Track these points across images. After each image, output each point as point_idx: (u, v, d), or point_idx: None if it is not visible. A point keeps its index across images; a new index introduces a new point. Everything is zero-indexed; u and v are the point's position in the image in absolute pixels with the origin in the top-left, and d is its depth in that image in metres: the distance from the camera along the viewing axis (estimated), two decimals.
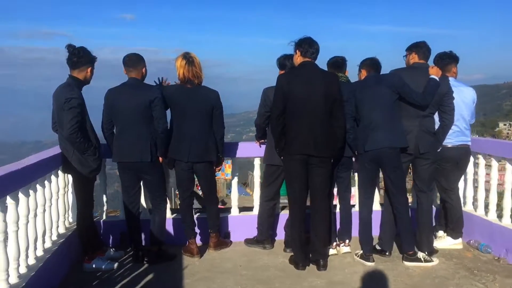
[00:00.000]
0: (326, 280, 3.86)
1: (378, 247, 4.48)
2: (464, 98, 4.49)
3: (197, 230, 4.52)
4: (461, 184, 4.91)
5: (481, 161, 4.74)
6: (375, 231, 4.45)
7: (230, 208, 5.14)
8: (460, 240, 4.65)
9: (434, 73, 4.21)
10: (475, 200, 4.89)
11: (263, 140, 4.67)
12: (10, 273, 2.86)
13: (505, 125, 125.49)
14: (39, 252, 3.53)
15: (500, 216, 4.52)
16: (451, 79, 4.50)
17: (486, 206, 4.71)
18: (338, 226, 4.60)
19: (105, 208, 4.82)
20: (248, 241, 4.75)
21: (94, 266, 4.01)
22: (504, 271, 4.05)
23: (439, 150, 4.40)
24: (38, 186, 3.48)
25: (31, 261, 3.32)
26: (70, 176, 4.19)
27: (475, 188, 4.87)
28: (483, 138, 4.99)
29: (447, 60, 4.51)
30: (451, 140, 4.43)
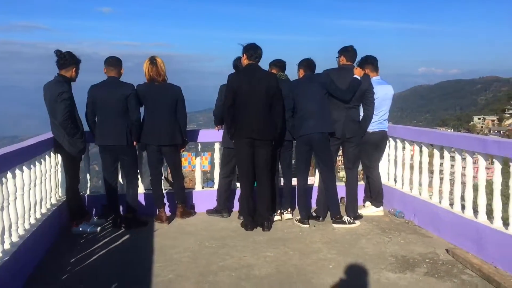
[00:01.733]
0: (268, 237, 4.87)
1: (314, 214, 5.53)
2: (384, 94, 5.55)
3: (166, 202, 5.50)
4: (384, 163, 6.00)
5: (398, 144, 5.80)
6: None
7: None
8: (381, 208, 5.72)
9: (357, 73, 5.25)
10: (394, 176, 5.96)
11: (220, 126, 5.65)
12: (12, 232, 3.72)
13: (479, 119, 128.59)
14: (38, 215, 4.45)
15: (411, 188, 5.59)
16: (375, 78, 5.57)
17: (402, 180, 5.78)
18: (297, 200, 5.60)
19: (88, 184, 5.75)
20: (209, 211, 5.74)
21: (80, 229, 4.96)
22: (409, 229, 5.13)
23: (363, 135, 5.46)
24: (36, 162, 4.40)
25: (32, 221, 4.25)
26: (59, 157, 5.12)
27: (395, 166, 5.94)
28: (399, 125, 6.00)
29: (365, 63, 5.54)
30: (372, 127, 5.49)
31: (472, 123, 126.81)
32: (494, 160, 4.13)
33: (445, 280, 3.73)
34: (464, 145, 4.55)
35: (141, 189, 5.68)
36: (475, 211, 4.43)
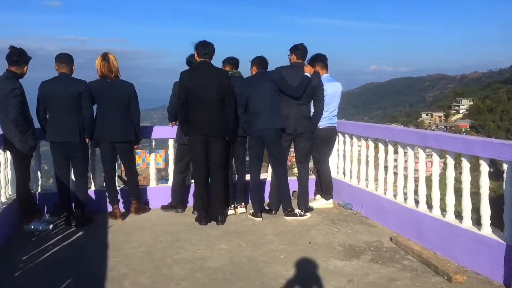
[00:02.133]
0: (222, 231, 4.99)
1: (266, 207, 5.70)
2: (334, 91, 5.78)
3: (120, 198, 5.51)
4: (334, 157, 6.26)
5: (347, 139, 6.06)
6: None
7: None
8: (331, 201, 5.96)
9: (307, 71, 5.44)
10: (343, 169, 6.22)
11: (174, 122, 5.71)
12: None
13: (427, 115, 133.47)
14: None
15: (359, 181, 5.86)
16: (325, 75, 5.79)
17: (350, 174, 6.04)
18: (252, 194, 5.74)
19: (40, 182, 5.66)
20: (164, 207, 5.79)
21: (32, 227, 4.89)
22: (356, 220, 5.39)
23: (313, 131, 5.67)
24: None
25: None
26: (9, 155, 5.02)
27: (344, 160, 6.20)
28: (347, 121, 6.29)
29: (315, 61, 5.76)
30: (322, 122, 5.71)
31: (420, 119, 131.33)
32: (433, 152, 4.43)
33: (387, 266, 3.98)
34: (405, 139, 4.84)
35: (93, 186, 5.66)
36: (417, 201, 4.73)
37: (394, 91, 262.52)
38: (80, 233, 4.89)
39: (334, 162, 6.35)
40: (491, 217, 3.83)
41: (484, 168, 3.81)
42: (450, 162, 4.22)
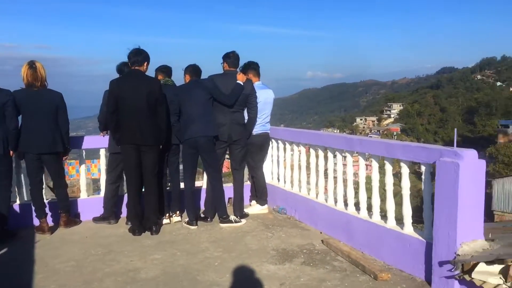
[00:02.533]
0: (156, 241, 4.93)
1: (202, 215, 5.69)
2: (266, 98, 5.89)
3: (48, 211, 5.28)
4: (268, 163, 6.37)
5: (280, 145, 6.19)
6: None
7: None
8: (266, 206, 6.05)
9: (240, 79, 5.51)
10: (277, 175, 6.35)
11: (106, 132, 5.58)
12: None
13: (361, 120, 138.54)
14: None
15: (292, 185, 6.00)
16: (257, 83, 5.89)
17: (284, 179, 6.17)
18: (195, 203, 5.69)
19: None
20: (96, 219, 5.62)
21: None
22: (290, 224, 5.51)
23: (248, 137, 5.74)
24: None
25: None
26: None
27: (278, 165, 6.32)
28: (279, 127, 6.44)
29: (247, 68, 5.85)
30: (255, 129, 5.80)
31: (355, 123, 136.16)
32: (359, 156, 4.64)
33: (318, 268, 4.11)
34: (334, 144, 5.02)
35: (18, 200, 5.41)
36: (346, 204, 4.91)
37: (330, 96, 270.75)
38: (4, 250, 4.65)
39: (269, 168, 6.46)
40: (418, 216, 4.06)
41: (405, 170, 4.04)
42: (375, 165, 4.44)
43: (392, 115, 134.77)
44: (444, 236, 3.47)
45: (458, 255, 3.37)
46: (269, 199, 6.10)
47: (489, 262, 3.15)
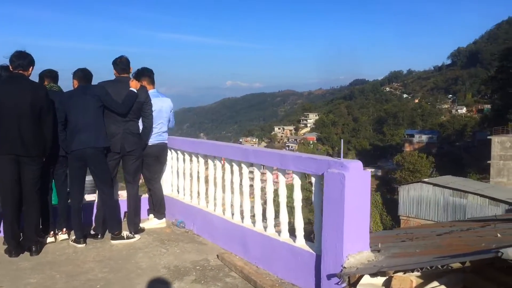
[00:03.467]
0: (35, 262, 4.45)
1: (92, 232, 5.27)
2: (161, 107, 5.62)
3: None
4: (167, 174, 6.09)
5: (179, 155, 5.93)
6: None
7: None
8: (164, 220, 5.76)
9: (133, 86, 5.19)
10: (177, 186, 6.08)
11: None
12: None
13: (279, 129, 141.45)
14: None
15: (191, 197, 5.76)
16: (152, 90, 5.60)
17: (184, 191, 5.92)
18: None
19: None
20: None
21: None
22: (187, 239, 5.26)
23: (144, 148, 5.42)
24: None
25: None
26: None
27: (177, 177, 6.06)
28: (177, 137, 6.18)
29: (141, 75, 5.56)
30: (151, 139, 5.50)
31: (273, 132, 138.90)
32: (254, 168, 4.52)
33: (210, 285, 3.91)
34: (230, 154, 4.86)
35: None
36: (243, 216, 4.76)
37: (249, 106, 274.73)
38: None
39: (168, 180, 6.18)
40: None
41: (297, 182, 3.98)
42: (269, 177, 4.34)
43: (308, 125, 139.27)
44: (331, 248, 3.43)
45: (345, 267, 3.33)
46: (168, 212, 5.82)
47: (372, 274, 3.15)
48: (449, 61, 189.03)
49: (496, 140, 39.61)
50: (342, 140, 4.36)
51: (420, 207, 36.01)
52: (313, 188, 3.76)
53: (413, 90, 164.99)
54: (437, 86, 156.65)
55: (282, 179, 4.17)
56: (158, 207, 5.71)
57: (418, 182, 38.11)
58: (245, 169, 4.71)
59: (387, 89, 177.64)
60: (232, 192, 4.91)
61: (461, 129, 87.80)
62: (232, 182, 4.94)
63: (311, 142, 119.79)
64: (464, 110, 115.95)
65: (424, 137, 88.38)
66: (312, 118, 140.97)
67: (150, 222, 5.74)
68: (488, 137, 41.61)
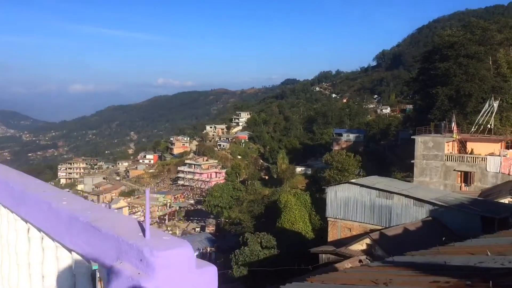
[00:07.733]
0: None
1: None
2: None
3: None
4: None
5: None
6: None
7: None
8: None
9: None
10: None
11: None
12: None
13: (211, 128, 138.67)
14: None
15: None
16: None
17: None
18: None
19: None
20: None
21: None
22: None
23: None
24: None
25: None
26: None
27: None
28: None
29: None
30: None
31: (205, 131, 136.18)
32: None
33: None
34: None
35: None
36: None
37: (182, 104, 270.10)
38: None
39: None
40: None
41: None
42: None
43: (240, 123, 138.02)
44: None
45: None
46: None
47: None
48: (374, 63, 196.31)
49: (420, 140, 40.20)
50: (147, 191, 2.03)
51: (347, 208, 35.59)
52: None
53: (341, 90, 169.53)
54: (364, 86, 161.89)
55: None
56: None
57: (345, 183, 37.79)
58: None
59: (317, 88, 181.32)
60: None
61: (385, 128, 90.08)
62: None
63: (242, 141, 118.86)
64: (388, 110, 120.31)
65: (352, 136, 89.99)
66: (244, 117, 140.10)
67: None
68: (412, 137, 42.20)
